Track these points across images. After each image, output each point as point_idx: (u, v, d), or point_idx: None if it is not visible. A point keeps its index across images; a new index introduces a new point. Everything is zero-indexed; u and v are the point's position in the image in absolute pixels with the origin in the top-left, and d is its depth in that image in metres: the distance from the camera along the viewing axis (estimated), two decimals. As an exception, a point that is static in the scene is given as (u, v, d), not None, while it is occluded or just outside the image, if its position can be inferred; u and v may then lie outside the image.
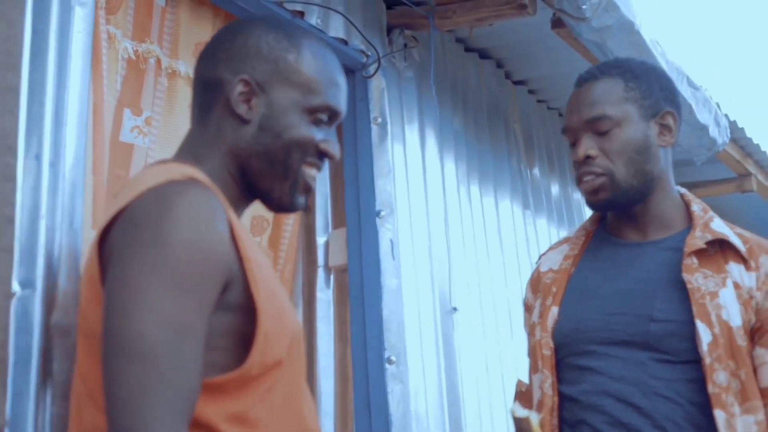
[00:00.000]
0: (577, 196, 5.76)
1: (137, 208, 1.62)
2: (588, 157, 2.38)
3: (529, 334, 2.55)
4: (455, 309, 4.29)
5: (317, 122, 1.86)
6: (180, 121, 3.06)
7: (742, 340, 2.27)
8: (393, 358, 3.72)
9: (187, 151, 1.86)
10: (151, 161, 2.87)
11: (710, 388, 2.24)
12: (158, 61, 2.96)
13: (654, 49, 4.41)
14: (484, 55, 4.91)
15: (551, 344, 2.42)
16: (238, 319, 1.66)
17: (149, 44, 2.92)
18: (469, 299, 4.37)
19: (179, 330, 1.56)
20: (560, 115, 5.71)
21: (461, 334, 4.23)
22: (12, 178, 1.95)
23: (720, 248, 2.36)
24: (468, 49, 4.76)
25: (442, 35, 4.50)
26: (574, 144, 2.44)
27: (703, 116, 5.11)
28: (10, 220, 1.93)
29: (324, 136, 1.88)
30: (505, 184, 4.98)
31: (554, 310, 2.44)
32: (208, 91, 1.86)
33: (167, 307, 1.56)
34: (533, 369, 2.48)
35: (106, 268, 1.63)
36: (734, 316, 2.28)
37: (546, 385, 2.41)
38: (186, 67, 3.06)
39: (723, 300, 2.29)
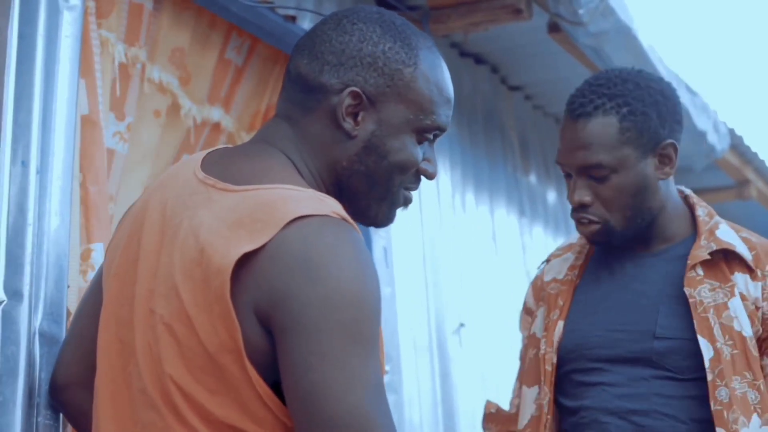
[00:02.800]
0: (574, 203, 5.74)
1: (305, 248, 1.50)
2: (583, 205, 2.32)
3: (526, 341, 2.52)
4: (462, 325, 4.28)
5: (422, 141, 1.74)
6: (145, 127, 3.02)
7: (755, 351, 2.24)
8: (386, 367, 3.69)
9: (281, 151, 1.71)
10: (125, 169, 2.83)
11: (712, 405, 2.21)
12: (143, 66, 2.94)
13: (651, 54, 4.40)
14: (479, 60, 4.89)
15: (554, 360, 2.38)
16: None
17: (138, 48, 2.89)
18: (464, 308, 4.35)
19: (379, 393, 1.50)
20: (557, 121, 5.69)
21: (456, 343, 4.21)
22: None
23: (725, 257, 2.31)
24: (463, 54, 4.74)
25: (437, 40, 4.48)
26: (568, 175, 2.37)
27: (701, 122, 5.09)
28: None
29: (425, 155, 1.75)
30: (500, 191, 4.96)
31: (560, 325, 2.39)
32: (310, 93, 1.71)
33: (368, 372, 1.49)
34: (530, 381, 2.44)
35: (250, 292, 1.51)
36: (746, 326, 2.24)
37: (544, 402, 2.38)
38: (159, 72, 3.02)
39: (733, 311, 2.25)
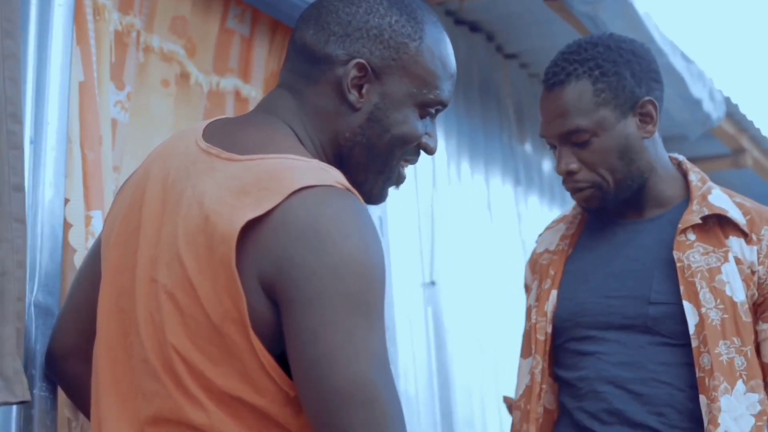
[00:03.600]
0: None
1: (311, 217, 1.50)
2: (570, 172, 2.32)
3: (525, 317, 2.52)
4: (433, 283, 4.26)
5: (424, 115, 1.76)
6: (151, 97, 2.99)
7: (746, 316, 2.24)
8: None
9: (287, 120, 1.71)
10: (128, 138, 2.81)
11: (697, 372, 2.22)
12: (138, 34, 2.91)
13: (647, 21, 4.38)
14: (474, 28, 4.87)
15: (546, 329, 2.39)
16: None
17: (132, 17, 2.87)
18: (459, 277, 4.35)
19: (385, 363, 1.51)
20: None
21: (452, 314, 4.21)
22: (18, 146, 1.88)
23: (718, 222, 2.31)
24: (458, 22, 4.72)
25: (432, 8, 4.46)
26: (553, 146, 2.37)
27: (696, 90, 5.08)
28: (19, 188, 1.87)
29: (426, 129, 1.77)
30: (495, 159, 4.95)
31: (554, 294, 2.40)
32: (315, 64, 1.71)
33: (374, 343, 1.50)
34: (525, 353, 2.45)
35: (254, 260, 1.51)
36: (738, 291, 2.24)
37: (537, 371, 2.38)
38: (159, 41, 3.00)
39: (726, 275, 2.25)
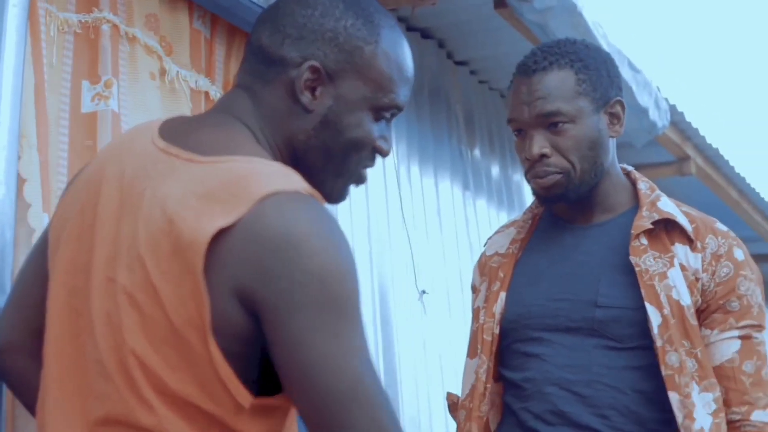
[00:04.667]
0: (517, 178, 5.78)
1: (284, 226, 1.50)
2: (542, 156, 2.33)
3: (472, 318, 2.54)
4: (424, 292, 4.30)
5: (379, 118, 1.74)
6: (146, 87, 3.02)
7: (693, 320, 2.27)
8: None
9: (245, 121, 1.70)
10: (124, 127, 2.82)
11: (663, 371, 2.25)
12: (114, 27, 2.91)
13: (596, 31, 4.42)
14: (425, 34, 4.90)
15: (494, 330, 2.40)
16: None
17: (98, 12, 2.87)
18: (408, 279, 4.37)
19: (371, 360, 1.54)
20: (502, 96, 5.71)
21: (399, 315, 4.23)
22: None
23: (665, 228, 2.35)
24: (410, 29, 4.75)
25: (384, 14, 4.48)
26: (518, 132, 2.38)
27: (643, 99, 5.13)
28: None
29: (381, 132, 1.75)
30: (445, 164, 4.97)
31: (502, 296, 2.41)
32: (270, 66, 1.70)
33: (361, 343, 1.53)
34: (472, 353, 2.48)
35: (226, 268, 1.50)
36: (684, 295, 2.28)
37: (481, 371, 2.40)
38: (142, 35, 3.02)
39: (672, 280, 2.29)
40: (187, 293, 1.51)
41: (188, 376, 1.53)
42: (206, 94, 3.22)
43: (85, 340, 1.61)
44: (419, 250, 4.50)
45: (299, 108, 1.69)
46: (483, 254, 2.59)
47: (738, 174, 7.40)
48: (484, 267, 2.56)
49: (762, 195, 8.09)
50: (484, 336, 2.41)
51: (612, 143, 2.38)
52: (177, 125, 1.71)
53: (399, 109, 1.76)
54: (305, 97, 1.68)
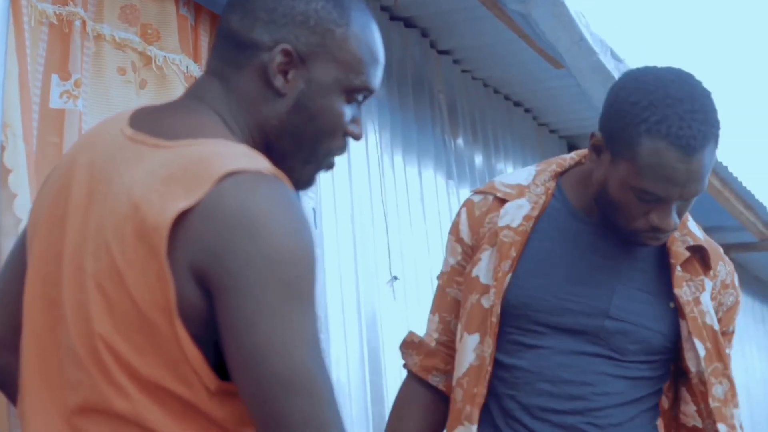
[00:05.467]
0: (501, 167, 5.79)
1: (241, 204, 1.49)
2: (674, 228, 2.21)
3: (466, 285, 2.42)
4: (395, 278, 4.30)
5: (351, 101, 1.74)
6: (110, 85, 3.00)
7: (723, 343, 2.30)
8: (315, 326, 3.72)
9: (214, 107, 1.69)
10: (85, 126, 2.82)
11: (711, 403, 2.26)
12: (83, 23, 2.91)
13: (579, 20, 4.43)
14: (409, 24, 4.91)
15: (498, 312, 2.32)
16: None
17: (73, 6, 2.87)
18: (392, 268, 4.39)
19: (320, 349, 1.52)
20: (485, 85, 5.72)
21: (384, 303, 4.25)
22: None
23: (693, 251, 2.32)
24: (393, 18, 4.76)
25: (367, 3, 4.49)
26: (644, 201, 2.17)
27: (625, 89, 5.14)
28: None
29: (353, 116, 1.75)
30: (428, 154, 4.99)
31: (509, 278, 2.32)
32: (241, 50, 1.69)
33: (311, 330, 1.51)
34: (472, 328, 2.36)
35: (185, 249, 1.50)
36: (715, 321, 2.30)
37: (487, 354, 2.31)
38: (111, 30, 3.01)
39: (705, 305, 2.29)
40: (153, 277, 1.51)
41: (158, 360, 1.52)
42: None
43: (60, 329, 1.61)
44: (402, 239, 4.52)
45: (271, 92, 1.69)
46: (478, 208, 2.47)
47: (720, 163, 7.43)
48: (479, 225, 2.43)
49: (744, 184, 8.11)
50: (492, 319, 2.31)
51: None
52: (147, 113, 1.70)
53: (370, 91, 1.76)
54: (278, 81, 1.68)
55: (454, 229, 2.50)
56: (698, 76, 2.23)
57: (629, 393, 2.29)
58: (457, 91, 5.41)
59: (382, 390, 4.13)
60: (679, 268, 2.28)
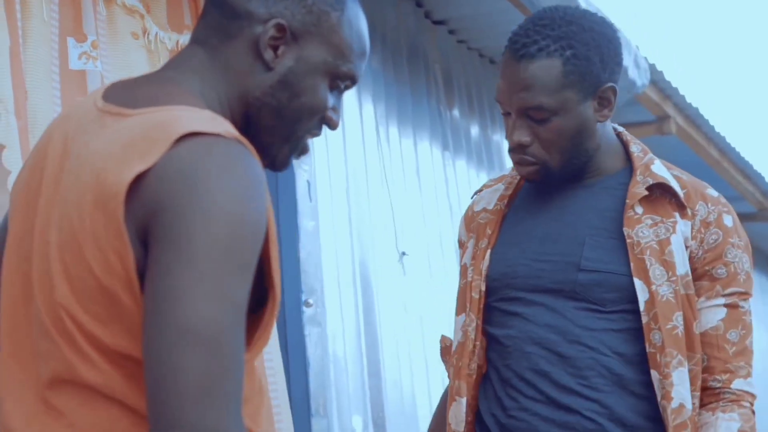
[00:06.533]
0: (497, 138, 5.77)
1: (191, 164, 1.47)
2: (521, 145, 2.28)
3: (460, 274, 2.53)
4: (404, 254, 4.30)
5: (334, 88, 1.75)
6: (127, 48, 3.01)
7: (689, 289, 2.27)
8: (310, 300, 3.71)
9: (191, 76, 1.68)
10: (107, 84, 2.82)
11: (647, 348, 2.25)
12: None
13: (574, -11, 4.41)
14: (403, -6, 4.87)
15: (481, 287, 2.39)
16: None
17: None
18: (388, 240, 4.37)
19: (238, 312, 1.46)
20: (481, 56, 5.69)
21: (380, 276, 4.23)
22: None
23: (661, 192, 2.32)
24: (387, -12, 4.72)
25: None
26: (505, 113, 2.33)
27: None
28: None
29: (333, 103, 1.75)
30: (424, 125, 4.96)
31: (488, 254, 2.41)
32: (233, 19, 1.69)
33: (231, 290, 1.45)
34: (459, 309, 2.46)
35: (144, 227, 1.48)
36: (680, 264, 2.27)
37: (470, 329, 2.39)
38: None
39: (675, 246, 2.27)
40: (110, 245, 1.49)
41: (119, 328, 1.50)
42: None
43: (32, 304, 1.60)
44: (398, 212, 4.50)
45: (260, 64, 1.69)
46: (470, 208, 2.56)
47: (718, 133, 7.42)
48: (471, 222, 2.53)
49: (742, 154, 8.10)
50: (473, 294, 2.39)
51: (601, 126, 2.33)
52: (122, 86, 1.69)
53: (354, 81, 1.77)
54: (268, 54, 1.68)
55: (458, 239, 2.60)
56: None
57: (619, 345, 2.29)
58: (453, 62, 5.38)
59: (378, 365, 4.12)
60: (637, 209, 2.29)
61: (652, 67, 5.80)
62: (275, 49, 1.69)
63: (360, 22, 1.77)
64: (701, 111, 6.93)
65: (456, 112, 5.35)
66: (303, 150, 1.77)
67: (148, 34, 3.08)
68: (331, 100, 1.75)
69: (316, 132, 1.77)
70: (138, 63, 2.98)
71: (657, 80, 6.15)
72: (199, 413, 1.39)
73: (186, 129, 1.50)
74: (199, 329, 1.41)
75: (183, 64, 1.71)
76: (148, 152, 1.49)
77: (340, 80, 1.74)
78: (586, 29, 2.28)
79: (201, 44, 1.72)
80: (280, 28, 1.68)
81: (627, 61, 5.20)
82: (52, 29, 2.75)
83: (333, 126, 1.77)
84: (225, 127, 1.54)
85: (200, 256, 1.44)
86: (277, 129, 1.72)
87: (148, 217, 1.47)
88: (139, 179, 1.47)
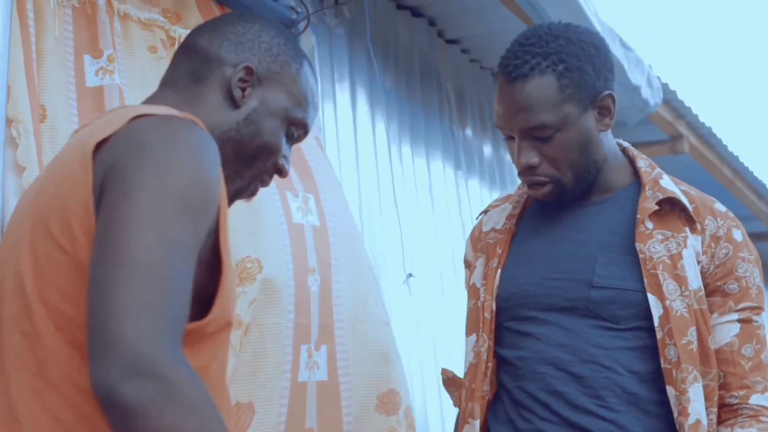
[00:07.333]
0: (509, 157, 5.75)
1: (143, 131, 1.59)
2: (530, 167, 2.28)
3: (468, 295, 2.52)
4: (411, 275, 4.29)
5: (288, 136, 1.92)
6: (144, 63, 3.06)
7: (702, 304, 2.26)
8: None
9: (164, 106, 1.76)
10: (127, 101, 2.85)
11: (662, 364, 2.24)
12: (108, 2, 2.94)
13: (587, 8, 4.41)
14: (416, 12, 4.88)
15: (493, 307, 2.38)
16: (201, 271, 1.58)
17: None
18: (400, 257, 4.37)
19: (180, 250, 1.50)
20: (493, 74, 5.69)
21: (392, 295, 4.23)
22: None
23: (671, 207, 2.31)
24: (400, 7, 4.73)
25: (375, -8, 4.47)
26: (508, 137, 2.33)
27: (635, 77, 5.12)
28: None
29: (285, 152, 1.92)
30: (436, 144, 4.96)
31: (499, 273, 2.40)
32: (205, 64, 1.87)
33: (171, 227, 1.50)
34: (470, 330, 2.45)
35: (100, 189, 1.55)
36: (693, 279, 2.26)
37: (483, 349, 2.37)
38: (135, 11, 3.03)
39: (687, 261, 2.27)
40: (80, 224, 1.56)
41: (84, 299, 1.52)
42: None
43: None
44: (410, 231, 4.49)
45: (228, 103, 1.85)
46: (477, 228, 2.56)
47: (731, 152, 7.40)
48: (478, 242, 2.52)
49: (756, 173, 8.09)
50: (485, 314, 2.37)
51: (605, 135, 2.33)
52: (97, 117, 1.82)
53: (306, 131, 1.95)
54: (237, 92, 1.84)
55: (464, 260, 2.61)
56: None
57: (634, 364, 2.28)
58: (465, 81, 5.38)
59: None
60: (648, 224, 2.28)
61: (665, 87, 5.79)
62: (243, 90, 1.85)
63: (312, 81, 1.97)
64: (714, 130, 6.91)
65: (469, 131, 5.35)
66: (253, 191, 1.92)
67: (175, 42, 3.11)
68: (284, 148, 1.91)
69: (267, 179, 1.92)
70: (155, 78, 2.99)
71: (670, 99, 6.14)
72: (129, 330, 1.41)
73: (142, 112, 1.65)
74: (135, 256, 1.46)
75: (154, 100, 1.85)
76: (110, 128, 1.62)
77: (295, 127, 1.92)
78: (574, 41, 2.28)
79: (170, 86, 1.88)
80: (249, 71, 1.86)
81: (640, 80, 5.20)
82: (67, 48, 2.77)
83: (284, 174, 1.92)
84: (186, 115, 1.67)
85: (142, 192, 1.51)
86: (235, 163, 1.84)
87: (105, 174, 1.56)
88: (99, 148, 1.59)
